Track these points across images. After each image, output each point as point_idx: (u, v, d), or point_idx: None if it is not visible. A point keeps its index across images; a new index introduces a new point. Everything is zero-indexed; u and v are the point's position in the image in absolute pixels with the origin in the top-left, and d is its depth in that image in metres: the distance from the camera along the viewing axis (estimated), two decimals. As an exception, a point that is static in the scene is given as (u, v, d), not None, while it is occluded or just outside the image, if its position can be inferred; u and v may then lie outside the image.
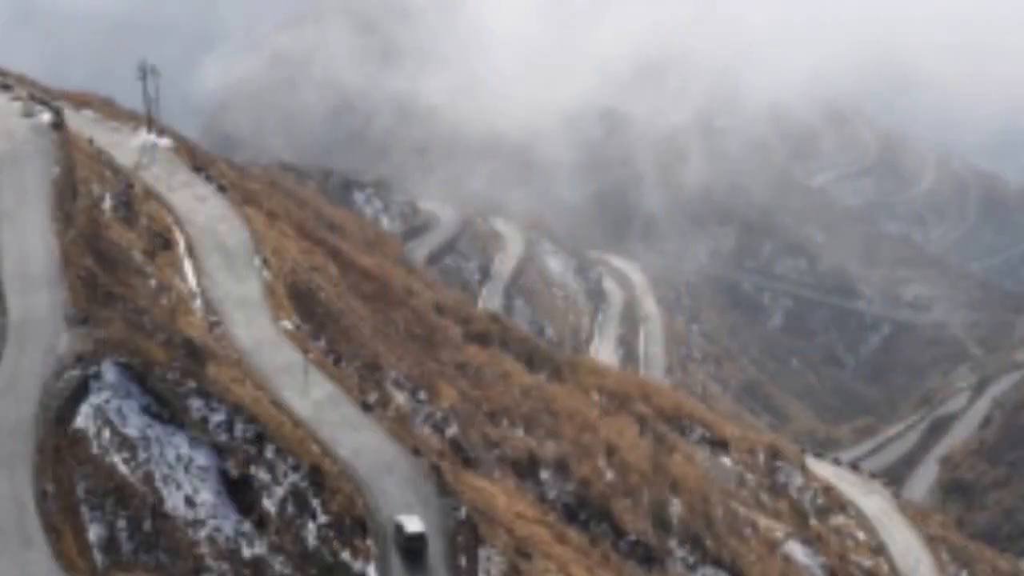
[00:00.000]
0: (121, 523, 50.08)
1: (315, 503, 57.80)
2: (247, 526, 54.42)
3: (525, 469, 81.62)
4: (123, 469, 52.24)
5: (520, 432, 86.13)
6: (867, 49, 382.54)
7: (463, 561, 58.96)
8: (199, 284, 75.02)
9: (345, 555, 56.72)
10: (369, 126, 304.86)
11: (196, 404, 57.25)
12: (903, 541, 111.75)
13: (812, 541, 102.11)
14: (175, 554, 50.74)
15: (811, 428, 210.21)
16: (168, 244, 78.11)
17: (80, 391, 54.17)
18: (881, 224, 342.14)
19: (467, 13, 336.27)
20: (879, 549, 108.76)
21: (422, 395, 79.22)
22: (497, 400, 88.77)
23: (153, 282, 71.30)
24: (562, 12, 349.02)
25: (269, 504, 56.05)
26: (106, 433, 53.23)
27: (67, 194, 71.86)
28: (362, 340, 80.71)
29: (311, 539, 56.33)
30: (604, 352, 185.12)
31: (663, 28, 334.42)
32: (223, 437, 56.88)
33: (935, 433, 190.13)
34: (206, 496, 54.00)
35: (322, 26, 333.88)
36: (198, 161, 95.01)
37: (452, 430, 77.62)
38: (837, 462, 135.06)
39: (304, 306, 78.08)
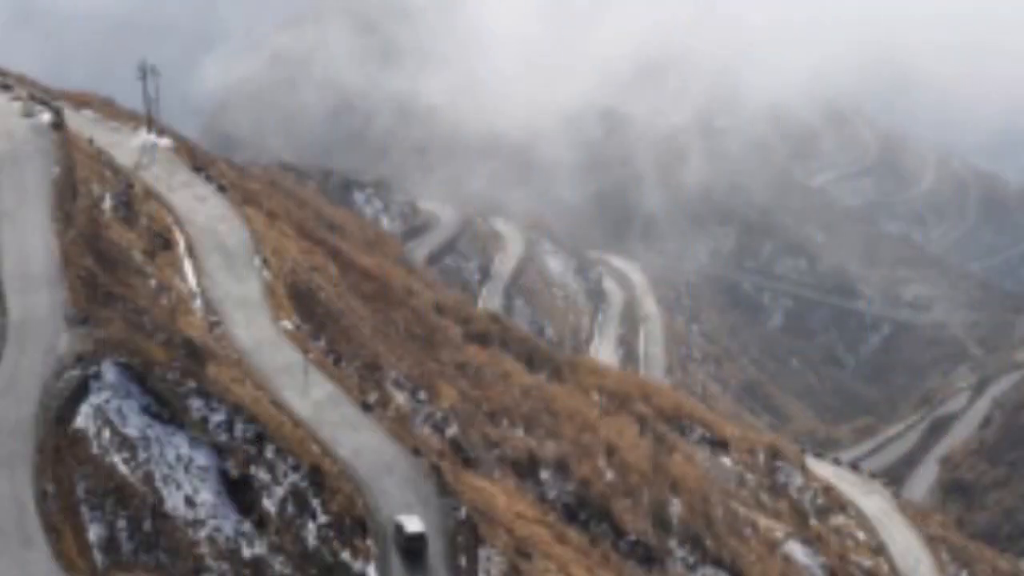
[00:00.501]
0: (121, 523, 50.08)
1: (315, 503, 57.80)
2: (247, 526, 54.42)
3: (525, 469, 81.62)
4: (123, 469, 52.24)
5: (520, 432, 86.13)
6: (867, 49, 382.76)
7: (463, 561, 58.97)
8: (199, 284, 75.03)
9: (345, 555, 56.72)
10: (369, 126, 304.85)
11: (196, 404, 57.25)
12: (903, 541, 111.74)
13: (812, 541, 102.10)
14: (175, 554, 50.74)
15: (811, 428, 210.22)
16: (168, 244, 78.12)
17: (80, 391, 54.16)
18: (881, 224, 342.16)
19: (467, 13, 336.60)
20: (879, 549, 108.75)
21: (422, 395, 79.22)
22: (497, 400, 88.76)
23: (153, 282, 71.31)
24: (562, 12, 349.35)
25: (269, 504, 56.06)
26: (106, 433, 53.23)
27: (67, 194, 71.86)
28: (362, 340, 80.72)
29: (311, 539, 56.34)
30: (604, 352, 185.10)
31: (663, 28, 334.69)
32: (223, 437, 56.88)
33: (935, 433, 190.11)
34: (206, 496, 54.00)
35: (322, 26, 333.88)
36: (198, 161, 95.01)
37: (452, 430, 77.62)
38: (837, 462, 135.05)
39: (304, 306, 78.08)
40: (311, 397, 66.53)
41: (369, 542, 58.03)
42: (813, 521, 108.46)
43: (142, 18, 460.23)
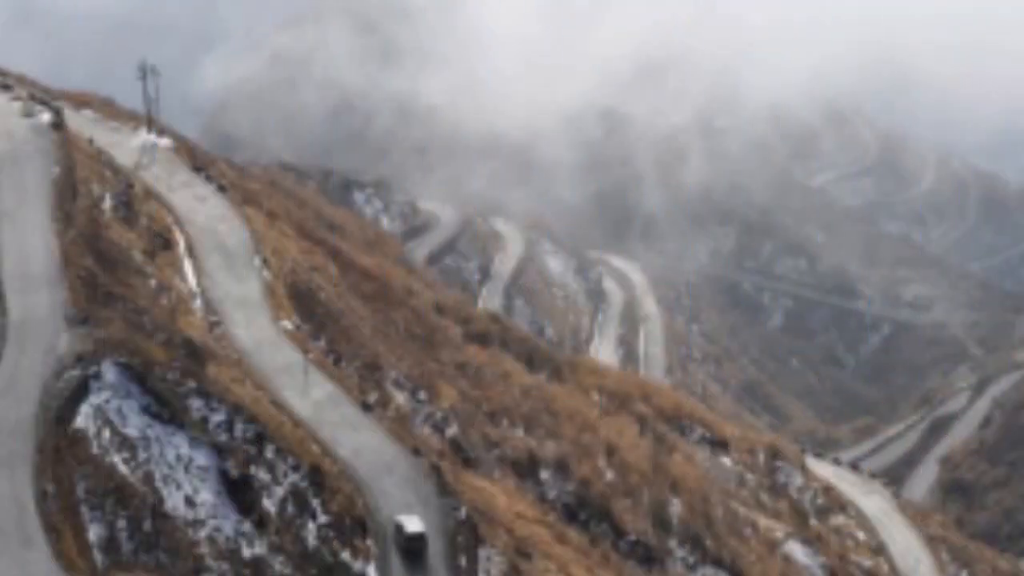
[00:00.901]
0: (121, 523, 50.07)
1: (315, 503, 57.80)
2: (247, 526, 54.41)
3: (525, 469, 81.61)
4: (123, 469, 52.24)
5: (520, 432, 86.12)
6: (867, 49, 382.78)
7: (463, 561, 58.96)
8: (199, 284, 75.03)
9: (345, 555, 56.71)
10: (369, 126, 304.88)
11: (196, 404, 57.24)
12: (903, 541, 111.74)
13: (812, 541, 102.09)
14: (175, 554, 50.74)
15: (811, 428, 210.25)
16: (168, 244, 78.12)
17: (80, 391, 54.16)
18: (881, 224, 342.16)
19: (467, 13, 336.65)
20: (879, 549, 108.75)
21: (422, 395, 79.22)
22: (497, 400, 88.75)
23: (153, 282, 71.30)
24: (562, 12, 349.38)
25: (269, 504, 56.05)
26: (106, 433, 53.23)
27: (67, 194, 71.87)
28: (362, 340, 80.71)
29: (311, 539, 56.33)
30: (604, 352, 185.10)
31: (663, 28, 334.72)
32: (223, 437, 56.88)
33: (935, 433, 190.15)
34: (206, 496, 54.00)
35: (322, 26, 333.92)
36: (198, 161, 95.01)
37: (452, 430, 77.61)
38: (837, 462, 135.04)
39: (304, 306, 78.08)
40: (311, 397, 66.53)
41: (369, 542, 58.02)
42: (813, 521, 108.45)
43: (142, 18, 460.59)
